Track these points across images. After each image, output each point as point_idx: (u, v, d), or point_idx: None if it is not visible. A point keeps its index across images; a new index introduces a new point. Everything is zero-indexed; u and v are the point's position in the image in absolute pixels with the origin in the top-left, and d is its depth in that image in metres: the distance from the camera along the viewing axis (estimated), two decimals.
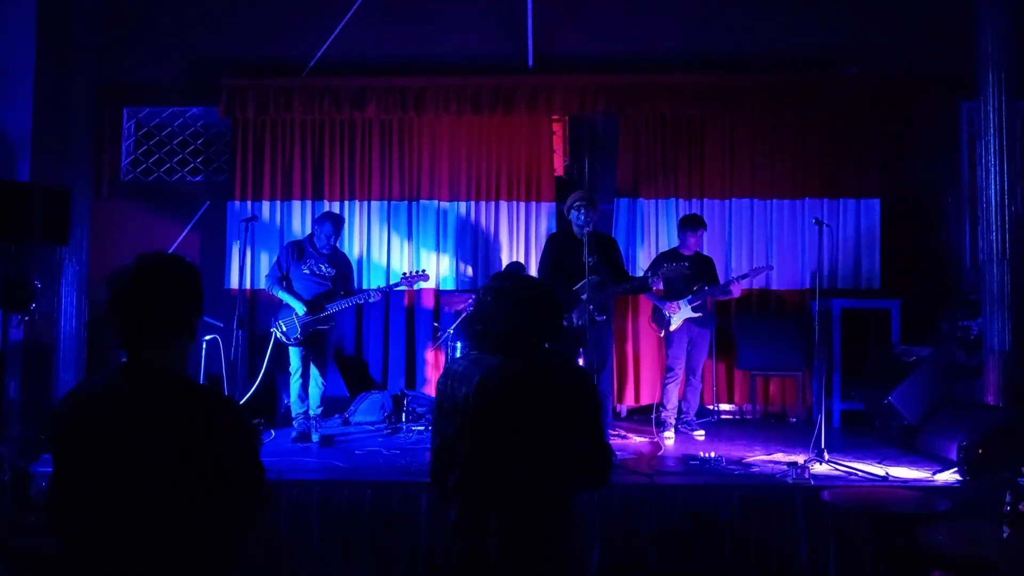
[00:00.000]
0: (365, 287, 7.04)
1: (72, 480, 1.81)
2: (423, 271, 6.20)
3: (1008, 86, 5.49)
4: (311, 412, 5.84)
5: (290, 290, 5.79)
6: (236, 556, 1.85)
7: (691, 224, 6.17)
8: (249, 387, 6.41)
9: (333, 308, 5.80)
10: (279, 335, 5.78)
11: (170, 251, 7.36)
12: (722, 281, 6.33)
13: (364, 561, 4.32)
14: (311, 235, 5.97)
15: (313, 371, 5.83)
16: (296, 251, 5.87)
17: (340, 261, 5.99)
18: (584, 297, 5.09)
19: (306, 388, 5.85)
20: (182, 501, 1.73)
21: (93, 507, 1.76)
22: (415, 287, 6.56)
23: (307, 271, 5.80)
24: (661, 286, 5.94)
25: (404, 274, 6.12)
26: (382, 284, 6.93)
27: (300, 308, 5.70)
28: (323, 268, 5.84)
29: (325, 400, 5.88)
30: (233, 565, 1.84)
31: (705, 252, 6.41)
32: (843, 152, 7.11)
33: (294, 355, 5.84)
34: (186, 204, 7.38)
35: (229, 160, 7.36)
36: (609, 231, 6.95)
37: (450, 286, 7.20)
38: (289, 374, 5.95)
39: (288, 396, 6.20)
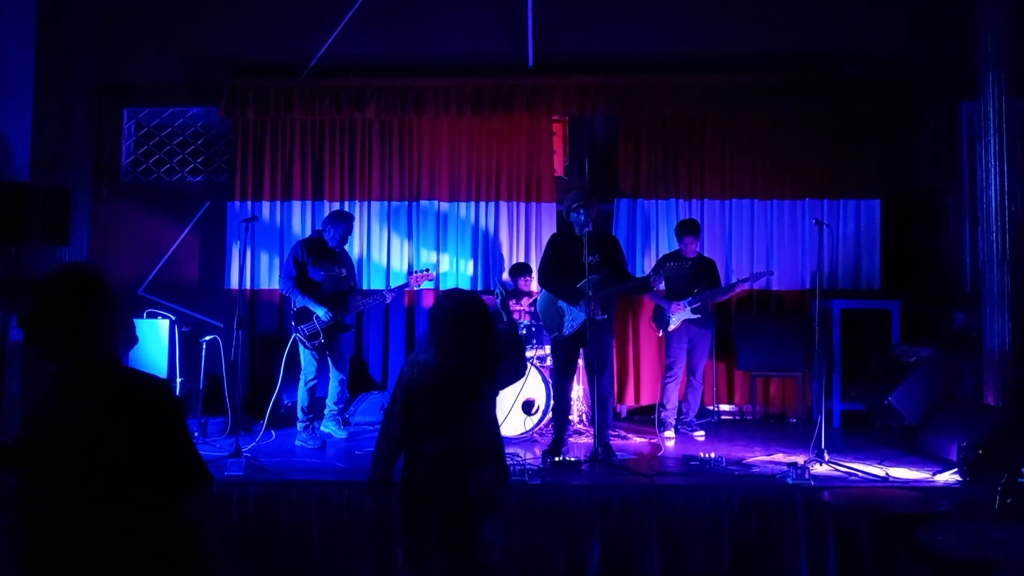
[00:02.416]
0: (366, 287, 7.06)
1: (28, 486, 1.91)
2: (427, 269, 6.27)
3: (1008, 86, 5.48)
4: (329, 406, 5.91)
5: (309, 293, 5.65)
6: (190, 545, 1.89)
7: (688, 229, 6.17)
8: (247, 387, 6.44)
9: (353, 310, 5.83)
10: (300, 339, 5.68)
11: (170, 251, 7.40)
12: (723, 284, 6.33)
13: (364, 561, 4.32)
14: (320, 233, 5.85)
15: (337, 371, 5.85)
16: (309, 251, 5.73)
17: (348, 261, 6.00)
18: (589, 292, 5.08)
19: (316, 391, 5.79)
20: (121, 488, 1.82)
21: (47, 509, 1.86)
22: (421, 286, 6.60)
23: (323, 272, 5.72)
24: (663, 286, 5.93)
25: (413, 272, 6.17)
26: (382, 285, 6.99)
27: (322, 312, 5.62)
28: (336, 269, 5.79)
29: (343, 399, 6.00)
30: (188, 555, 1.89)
31: (706, 253, 6.41)
32: (843, 152, 7.11)
33: (309, 362, 5.72)
34: (186, 204, 7.38)
35: (229, 160, 7.36)
36: (609, 231, 6.95)
37: (450, 286, 7.19)
38: (294, 375, 5.95)
39: (288, 397, 6.22)
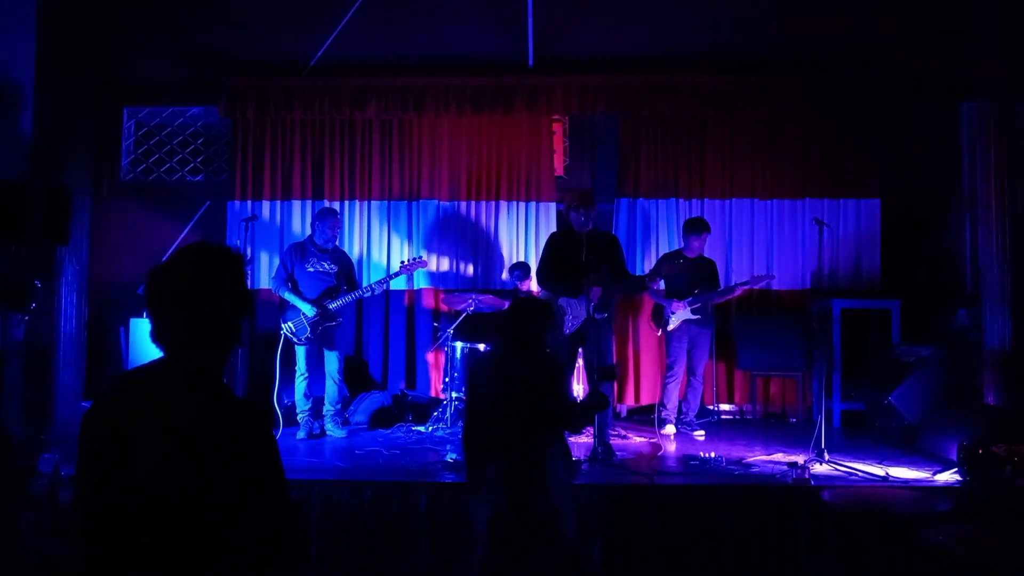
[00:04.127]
0: (366, 285, 7.07)
1: (96, 482, 1.64)
2: (420, 257, 6.41)
3: (1008, 86, 5.48)
4: (328, 407, 6.00)
5: (296, 291, 5.92)
6: None
7: (695, 228, 6.17)
8: (247, 387, 6.45)
9: (337, 304, 5.92)
10: (288, 335, 5.91)
11: (170, 251, 7.41)
12: (722, 286, 6.34)
13: (364, 561, 4.32)
14: (311, 235, 6.11)
15: (329, 367, 6.00)
16: (298, 251, 6.03)
17: (341, 258, 6.15)
18: (588, 292, 5.08)
19: (311, 388, 5.99)
20: (202, 523, 1.53)
21: (115, 513, 1.60)
22: (414, 274, 6.67)
23: (311, 269, 5.96)
24: (662, 285, 5.94)
25: (402, 262, 6.22)
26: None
27: (307, 308, 5.85)
28: (325, 265, 6.00)
29: (342, 398, 6.11)
30: None
31: (706, 253, 6.41)
32: (843, 152, 7.11)
33: (301, 356, 5.96)
34: (186, 204, 7.37)
35: (229, 160, 7.36)
36: (609, 231, 6.95)
37: (450, 286, 7.20)
38: (291, 373, 6.05)
39: (288, 396, 6.24)
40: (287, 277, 5.97)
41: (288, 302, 5.92)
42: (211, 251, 1.70)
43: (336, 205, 7.17)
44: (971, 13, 5.72)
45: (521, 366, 3.28)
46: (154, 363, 1.68)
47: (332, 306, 5.90)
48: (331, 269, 6.00)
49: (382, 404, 6.58)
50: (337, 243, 6.20)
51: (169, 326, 1.65)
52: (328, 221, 6.03)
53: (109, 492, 1.59)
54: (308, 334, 5.86)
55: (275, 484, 1.60)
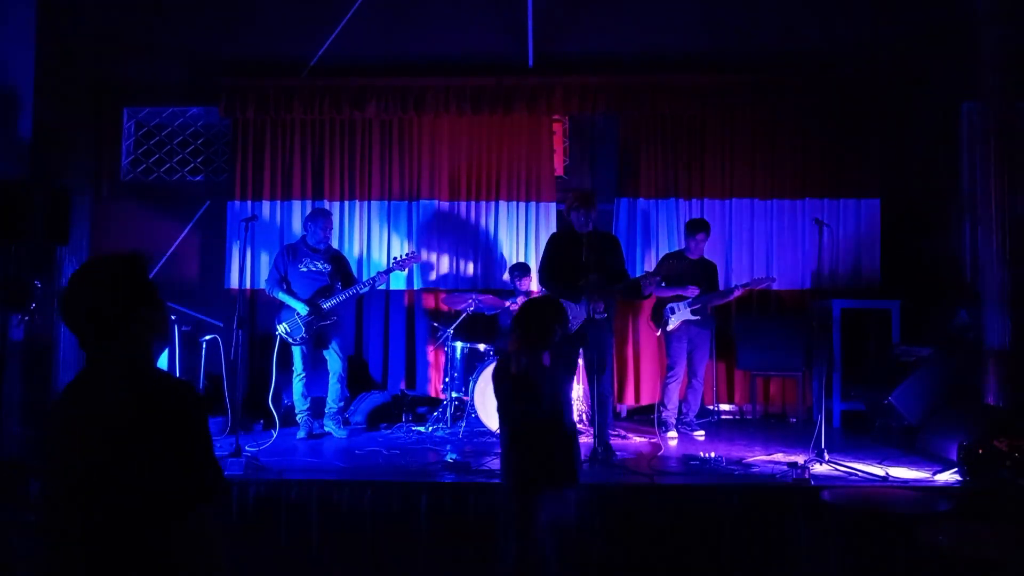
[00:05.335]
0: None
1: (50, 476, 1.89)
2: (414, 252, 6.44)
3: (1008, 86, 5.48)
4: (331, 406, 6.00)
5: (289, 292, 5.92)
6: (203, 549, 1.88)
7: (696, 229, 6.17)
8: (249, 387, 6.45)
9: (332, 303, 5.91)
10: (283, 335, 5.90)
11: (170, 251, 7.40)
12: (722, 287, 6.34)
13: (364, 561, 4.32)
14: (303, 236, 6.13)
15: (332, 365, 6.00)
16: (290, 253, 6.04)
17: (335, 257, 6.14)
18: (588, 291, 5.08)
19: (309, 388, 5.99)
20: (138, 492, 1.80)
21: (65, 505, 1.83)
22: (413, 274, 6.64)
23: (304, 270, 5.97)
24: (663, 282, 5.93)
25: (394, 258, 6.20)
26: (382, 284, 6.95)
27: (302, 308, 5.84)
28: (319, 265, 6.00)
29: (343, 397, 6.10)
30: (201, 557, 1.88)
31: (706, 253, 6.41)
32: (843, 152, 7.12)
33: (297, 356, 5.95)
34: (186, 204, 7.38)
35: (229, 160, 7.36)
36: (609, 231, 6.95)
37: (449, 286, 7.20)
38: (289, 374, 6.06)
39: (288, 396, 6.24)
40: (280, 279, 5.99)
41: (283, 303, 5.93)
42: (122, 262, 1.95)
43: (336, 205, 7.17)
44: (971, 13, 5.72)
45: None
46: (92, 363, 1.95)
47: (326, 305, 5.89)
48: (324, 269, 6.01)
49: (382, 404, 6.58)
50: (330, 243, 6.19)
51: (97, 330, 1.90)
52: (320, 222, 6.03)
53: (71, 471, 1.84)
54: (303, 334, 5.86)
55: (200, 440, 1.90)
